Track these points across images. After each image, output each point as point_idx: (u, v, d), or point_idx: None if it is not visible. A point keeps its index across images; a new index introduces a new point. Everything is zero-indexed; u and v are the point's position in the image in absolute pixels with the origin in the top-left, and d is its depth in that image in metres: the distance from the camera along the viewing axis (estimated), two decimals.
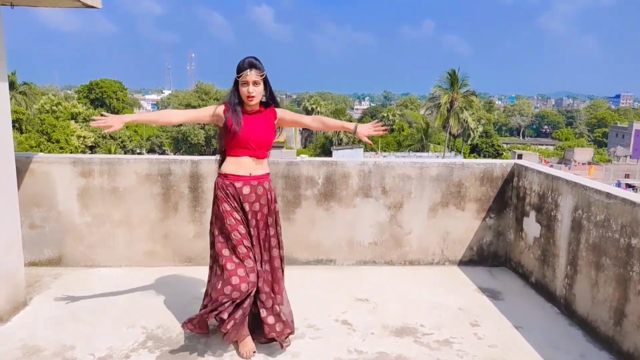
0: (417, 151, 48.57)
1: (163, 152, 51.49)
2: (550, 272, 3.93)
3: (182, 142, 45.51)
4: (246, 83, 2.84)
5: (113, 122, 2.80)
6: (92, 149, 44.32)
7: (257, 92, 2.86)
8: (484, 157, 54.24)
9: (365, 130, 3.01)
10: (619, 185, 35.59)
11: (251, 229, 2.96)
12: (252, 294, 2.91)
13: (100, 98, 58.06)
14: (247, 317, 2.98)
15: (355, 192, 4.50)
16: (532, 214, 4.23)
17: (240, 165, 2.93)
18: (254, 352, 3.01)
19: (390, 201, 4.54)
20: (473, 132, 49.85)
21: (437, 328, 3.46)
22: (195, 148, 44.50)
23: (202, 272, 4.35)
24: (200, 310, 3.07)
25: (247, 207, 2.93)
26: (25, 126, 41.80)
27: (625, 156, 60.13)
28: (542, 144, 78.69)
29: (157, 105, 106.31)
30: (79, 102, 52.95)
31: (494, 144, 59.67)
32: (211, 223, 3.02)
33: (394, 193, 4.53)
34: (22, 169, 4.16)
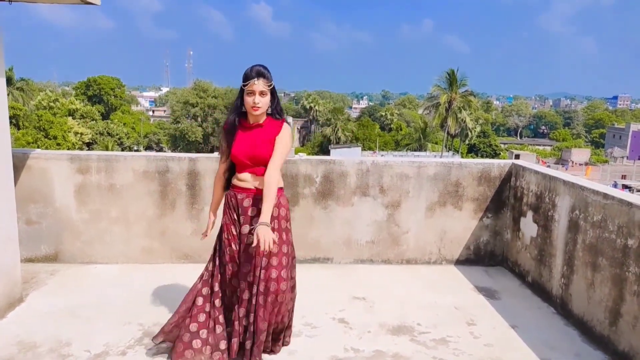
0: (415, 150, 48.63)
1: (160, 150, 51.43)
2: (547, 272, 3.95)
3: (179, 139, 45.44)
4: (252, 93, 2.66)
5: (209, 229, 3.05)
6: (89, 145, 44.23)
7: (263, 103, 2.69)
8: (482, 157, 54.35)
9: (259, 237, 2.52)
10: (615, 186, 35.71)
11: (237, 246, 2.82)
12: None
13: (98, 95, 57.93)
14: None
15: (353, 191, 4.50)
16: (529, 214, 4.24)
17: (242, 178, 2.82)
18: None
19: (388, 200, 4.54)
20: (471, 132, 49.89)
21: (433, 327, 3.47)
22: (193, 145, 44.44)
23: (199, 270, 4.34)
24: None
25: (243, 219, 2.80)
26: (22, 122, 41.67)
27: (622, 157, 60.31)
28: (539, 145, 78.87)
29: (155, 102, 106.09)
30: (76, 99, 52.86)
31: (491, 144, 59.82)
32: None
33: (391, 192, 4.54)
34: (19, 165, 4.15)
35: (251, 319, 2.75)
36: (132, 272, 4.26)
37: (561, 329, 3.51)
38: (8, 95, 3.51)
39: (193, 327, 2.85)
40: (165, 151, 47.48)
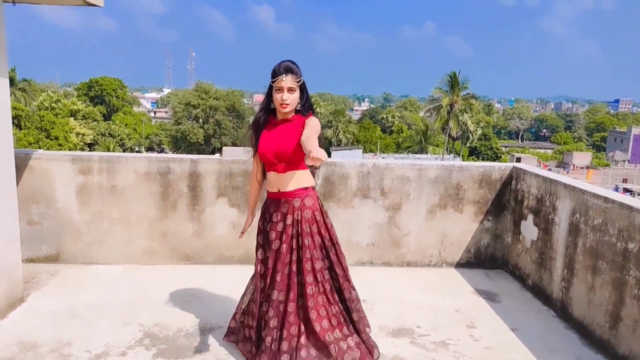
0: (416, 153, 48.64)
1: (162, 151, 51.50)
2: (547, 275, 3.95)
3: (181, 140, 45.47)
4: (280, 89, 2.56)
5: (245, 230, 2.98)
6: (90, 146, 44.29)
7: (291, 100, 2.59)
8: (483, 159, 54.34)
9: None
10: (617, 189, 35.67)
11: (270, 252, 2.73)
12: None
13: (100, 96, 58.02)
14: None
15: (354, 193, 4.51)
16: (530, 217, 4.25)
17: (269, 180, 2.76)
18: None
19: (389, 202, 4.55)
20: (472, 134, 49.90)
21: (433, 329, 3.47)
22: (194, 147, 44.46)
23: (199, 271, 4.37)
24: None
25: (268, 226, 2.75)
26: (24, 123, 41.76)
27: (624, 161, 60.24)
28: (540, 148, 78.82)
29: (157, 104, 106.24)
30: (78, 100, 52.93)
31: (492, 147, 59.79)
32: None
33: (392, 194, 4.54)
34: (21, 166, 4.16)
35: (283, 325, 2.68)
36: (133, 273, 4.27)
37: (561, 333, 3.51)
38: (10, 95, 3.51)
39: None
40: (166, 152, 47.56)
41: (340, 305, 2.78)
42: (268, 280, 2.74)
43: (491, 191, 4.60)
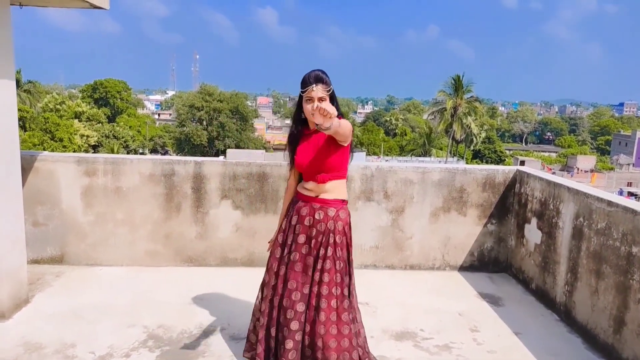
0: (420, 156, 48.58)
1: (166, 153, 51.60)
2: (551, 279, 3.94)
3: (185, 142, 45.57)
4: (311, 99, 2.54)
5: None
6: (95, 148, 44.44)
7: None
8: (486, 163, 54.23)
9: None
10: (621, 193, 35.54)
11: (292, 255, 2.68)
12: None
13: (104, 97, 58.22)
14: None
15: (357, 196, 4.51)
16: (534, 220, 4.24)
17: (306, 186, 2.72)
18: None
19: (392, 205, 4.55)
20: (476, 137, 49.79)
21: (436, 333, 3.47)
22: (198, 149, 44.55)
23: (203, 273, 4.38)
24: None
25: (298, 229, 2.68)
26: (28, 124, 41.96)
27: (628, 164, 60.00)
28: (544, 151, 78.61)
29: (161, 106, 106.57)
30: (82, 102, 53.14)
31: (496, 150, 59.69)
32: None
33: (395, 197, 4.55)
34: (26, 167, 4.19)
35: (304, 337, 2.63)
36: (137, 275, 4.28)
37: (565, 337, 3.50)
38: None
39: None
40: (170, 154, 47.66)
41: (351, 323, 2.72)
42: (282, 289, 2.68)
43: (495, 194, 4.60)
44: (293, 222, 2.71)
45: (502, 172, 4.60)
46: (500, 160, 56.52)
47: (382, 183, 4.52)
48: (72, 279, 4.17)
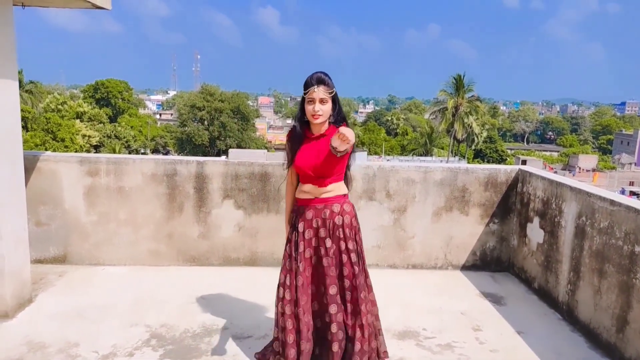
0: (421, 155, 48.57)
1: (167, 153, 51.65)
2: (553, 278, 3.94)
3: (186, 142, 45.62)
4: (312, 101, 2.56)
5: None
6: (96, 148, 44.51)
7: (324, 111, 2.57)
8: (488, 162, 54.17)
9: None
10: (623, 192, 35.48)
11: (311, 260, 2.69)
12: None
13: (106, 98, 58.30)
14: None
15: (359, 195, 4.52)
16: (536, 220, 4.24)
17: (304, 189, 2.72)
18: None
19: (394, 205, 4.56)
20: (477, 137, 49.76)
21: (439, 332, 3.47)
22: (200, 149, 44.59)
23: (205, 273, 4.39)
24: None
25: (308, 234, 2.68)
26: (30, 125, 42.02)
27: (630, 164, 59.90)
28: (546, 150, 78.53)
29: (162, 106, 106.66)
30: (84, 102, 53.21)
31: (498, 150, 59.63)
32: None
33: (398, 197, 4.55)
34: (29, 167, 4.20)
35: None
36: (140, 274, 4.29)
37: (567, 336, 3.50)
38: None
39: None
40: (171, 154, 47.70)
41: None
42: (308, 291, 2.69)
43: (497, 194, 4.60)
44: (300, 229, 2.70)
45: (504, 171, 4.60)
46: (501, 160, 56.47)
47: (384, 183, 4.52)
48: (75, 278, 4.18)
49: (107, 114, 53.72)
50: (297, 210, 2.75)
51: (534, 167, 5.11)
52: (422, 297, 4.05)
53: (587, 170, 50.04)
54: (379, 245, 4.60)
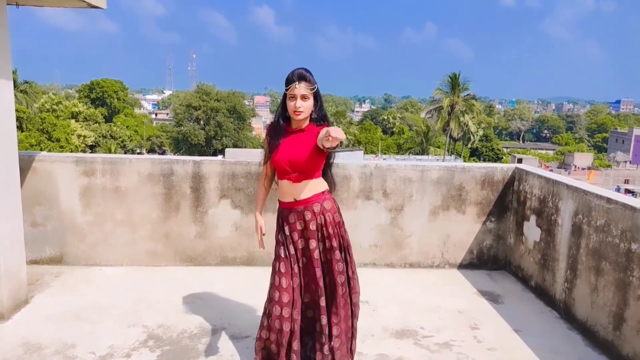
0: (417, 154, 48.64)
1: (163, 152, 51.51)
2: (550, 276, 3.95)
3: (182, 142, 45.50)
4: (294, 97, 2.55)
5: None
6: (92, 148, 44.34)
7: (305, 107, 2.56)
8: (484, 160, 54.31)
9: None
10: (618, 190, 35.63)
11: (299, 262, 2.69)
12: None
13: (101, 97, 58.09)
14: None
15: (356, 194, 4.52)
16: (533, 218, 4.25)
17: (282, 190, 2.72)
18: None
19: (391, 204, 4.56)
20: (473, 135, 49.87)
21: (437, 331, 3.48)
22: (196, 148, 44.48)
23: (203, 272, 4.38)
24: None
25: (294, 236, 2.69)
26: (25, 125, 41.80)
27: (625, 162, 60.20)
28: (542, 149, 78.79)
29: (158, 105, 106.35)
30: (79, 102, 53.00)
31: (494, 148, 59.78)
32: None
33: (395, 196, 4.55)
34: (24, 168, 4.18)
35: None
36: (137, 275, 4.28)
37: (564, 334, 3.51)
38: None
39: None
40: (167, 154, 47.56)
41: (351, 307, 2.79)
42: (299, 291, 2.70)
43: (493, 192, 4.60)
44: (287, 232, 2.71)
45: (501, 170, 4.61)
46: (497, 158, 56.63)
47: (381, 182, 4.52)
48: (72, 279, 4.16)
49: (102, 114, 53.53)
50: (281, 213, 2.76)
51: (530, 165, 5.13)
52: (420, 296, 4.05)
53: (583, 169, 50.26)
54: (376, 244, 4.60)
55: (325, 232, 2.67)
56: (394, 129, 68.65)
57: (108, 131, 47.11)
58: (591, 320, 3.40)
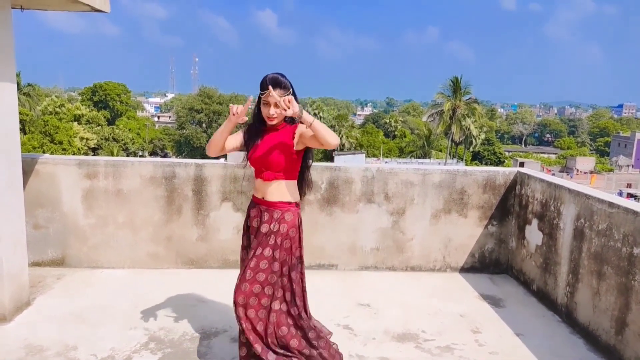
0: (419, 158, 48.62)
1: (165, 155, 51.60)
2: (552, 280, 3.94)
3: (184, 145, 45.62)
4: (267, 103, 2.53)
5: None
6: (94, 150, 44.44)
7: (279, 113, 2.53)
8: (486, 164, 54.26)
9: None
10: (621, 194, 35.56)
11: (249, 254, 2.72)
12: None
13: (104, 100, 58.27)
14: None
15: (358, 198, 4.52)
16: (535, 222, 4.24)
17: (255, 186, 2.74)
18: None
19: (393, 207, 4.56)
20: (475, 139, 49.87)
21: (438, 334, 3.47)
22: (198, 151, 44.57)
23: (204, 275, 4.38)
24: None
25: (252, 230, 2.75)
26: (28, 127, 41.95)
27: (628, 166, 60.07)
28: (544, 153, 78.68)
29: (160, 108, 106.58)
30: (82, 104, 53.18)
31: (495, 152, 59.72)
32: None
33: (396, 199, 4.55)
34: (27, 170, 4.19)
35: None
36: (138, 277, 4.28)
37: (566, 338, 3.51)
38: None
39: None
40: (169, 157, 47.66)
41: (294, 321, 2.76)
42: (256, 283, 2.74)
43: (495, 196, 4.60)
44: (248, 224, 2.79)
45: (503, 173, 4.61)
46: (499, 162, 56.54)
47: (382, 185, 4.52)
48: (73, 281, 4.17)
49: (105, 117, 53.68)
50: (249, 204, 2.81)
51: (532, 169, 5.12)
52: (421, 300, 4.05)
53: (585, 173, 50.15)
54: (378, 248, 4.60)
55: (273, 239, 2.62)
56: (396, 133, 68.67)
57: (110, 134, 47.23)
58: (593, 324, 3.39)
